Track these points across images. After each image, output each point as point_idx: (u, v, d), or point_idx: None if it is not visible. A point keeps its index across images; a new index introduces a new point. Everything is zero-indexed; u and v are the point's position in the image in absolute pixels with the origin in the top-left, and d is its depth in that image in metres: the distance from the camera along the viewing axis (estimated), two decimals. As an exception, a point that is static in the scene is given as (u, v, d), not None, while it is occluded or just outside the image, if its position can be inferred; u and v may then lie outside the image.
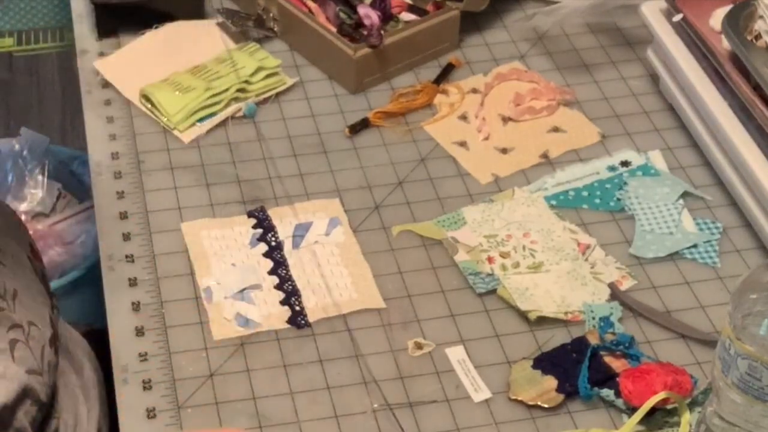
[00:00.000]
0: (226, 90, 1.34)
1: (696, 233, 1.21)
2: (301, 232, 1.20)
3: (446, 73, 1.41)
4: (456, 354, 1.09)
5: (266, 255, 1.18)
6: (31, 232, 1.80)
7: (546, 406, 1.04)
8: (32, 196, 1.88)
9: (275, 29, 1.44)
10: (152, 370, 1.07)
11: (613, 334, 1.10)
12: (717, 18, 1.26)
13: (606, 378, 1.06)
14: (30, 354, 0.98)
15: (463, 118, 1.36)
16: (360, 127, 1.33)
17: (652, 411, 1.02)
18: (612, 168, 1.29)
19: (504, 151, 1.31)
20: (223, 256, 1.18)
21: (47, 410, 1.00)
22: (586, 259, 1.18)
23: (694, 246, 1.20)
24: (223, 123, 1.33)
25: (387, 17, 1.41)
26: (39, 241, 1.82)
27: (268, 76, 1.37)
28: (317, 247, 1.19)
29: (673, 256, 1.19)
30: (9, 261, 1.04)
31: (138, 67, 1.39)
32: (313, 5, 1.42)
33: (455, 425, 1.04)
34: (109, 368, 1.08)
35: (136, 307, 1.13)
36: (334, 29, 1.38)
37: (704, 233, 1.21)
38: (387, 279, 1.16)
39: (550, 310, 1.12)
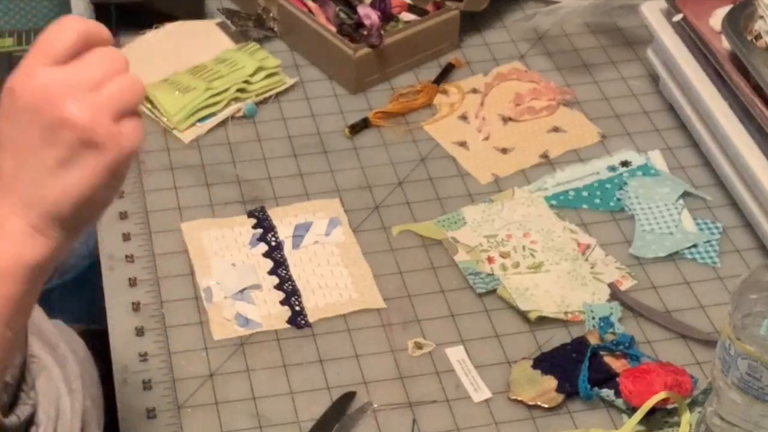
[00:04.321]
0: (226, 90, 1.34)
1: (696, 233, 1.21)
2: (301, 232, 1.20)
3: (446, 73, 1.41)
4: (456, 354, 1.09)
5: (266, 255, 1.18)
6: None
7: (546, 406, 1.04)
8: (32, 196, 1.87)
9: (275, 29, 1.44)
10: (152, 370, 1.07)
11: (613, 334, 1.10)
12: (717, 18, 1.26)
13: (606, 378, 1.06)
14: None
15: (463, 118, 1.36)
16: (360, 127, 1.33)
17: (652, 411, 1.02)
18: (612, 168, 1.29)
19: (504, 151, 1.31)
20: (223, 256, 1.18)
21: (15, 392, 0.99)
22: (586, 259, 1.18)
23: (694, 246, 1.20)
24: (223, 123, 1.33)
25: (387, 17, 1.41)
26: (39, 241, 1.82)
27: (268, 76, 1.37)
28: (317, 247, 1.19)
29: (673, 256, 1.19)
30: None
31: (138, 67, 1.38)
32: (313, 5, 1.42)
33: (455, 425, 1.04)
34: (109, 368, 1.08)
35: (136, 307, 1.13)
36: (334, 29, 1.38)
37: (704, 233, 1.21)
38: (387, 279, 1.16)
39: (550, 310, 1.12)
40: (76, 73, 0.78)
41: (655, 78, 1.39)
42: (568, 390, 1.05)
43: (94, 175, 0.75)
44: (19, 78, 0.77)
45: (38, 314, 1.21)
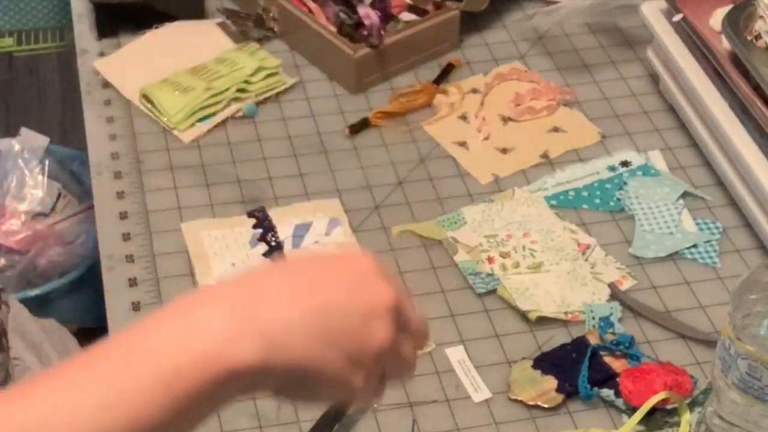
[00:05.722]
0: (226, 90, 1.34)
1: (696, 233, 1.21)
2: (301, 232, 1.20)
3: (446, 73, 1.41)
4: (456, 354, 1.09)
5: (266, 255, 1.18)
6: (31, 233, 1.80)
7: (546, 406, 1.04)
8: (32, 196, 1.88)
9: (275, 29, 1.44)
10: (152, 370, 1.07)
11: (613, 334, 1.10)
12: (717, 18, 1.26)
13: (606, 378, 1.06)
14: None
15: (463, 118, 1.36)
16: (360, 127, 1.33)
17: (652, 411, 1.02)
18: (612, 168, 1.29)
19: (504, 151, 1.31)
20: (223, 256, 1.17)
21: None
22: (586, 259, 1.18)
23: (694, 246, 1.20)
24: (223, 123, 1.33)
25: (387, 17, 1.41)
26: (39, 241, 1.82)
27: (268, 76, 1.37)
28: (317, 247, 1.19)
29: (673, 256, 1.19)
30: None
31: (138, 67, 1.39)
32: (313, 5, 1.42)
33: (455, 425, 1.04)
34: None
35: (136, 307, 1.13)
36: (334, 29, 1.38)
37: (704, 233, 1.21)
38: (387, 279, 1.16)
39: (550, 310, 1.12)
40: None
41: (655, 78, 1.39)
42: (568, 390, 1.05)
43: (332, 389, 0.70)
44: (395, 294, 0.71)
45: (21, 315, 1.21)
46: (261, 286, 0.68)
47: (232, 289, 0.67)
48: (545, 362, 1.07)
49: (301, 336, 0.67)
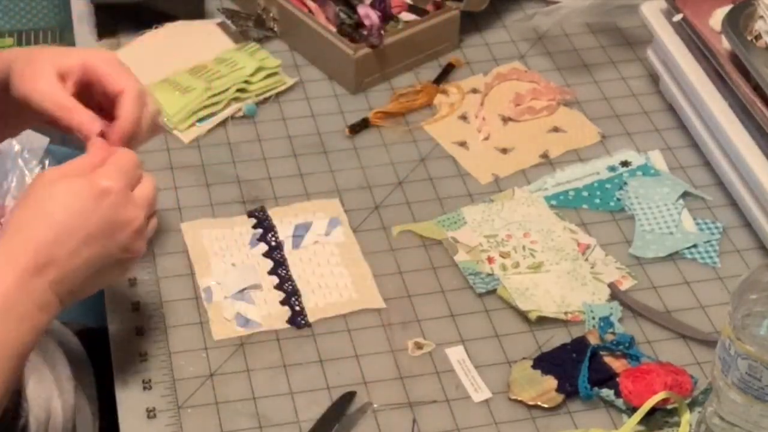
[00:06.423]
0: (226, 90, 1.34)
1: (696, 233, 1.21)
2: (301, 232, 1.20)
3: (446, 73, 1.41)
4: (456, 354, 1.09)
5: (266, 255, 1.18)
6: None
7: (546, 406, 1.05)
8: (32, 196, 1.87)
9: (275, 29, 1.44)
10: (152, 370, 1.07)
11: (613, 334, 1.10)
12: (717, 18, 1.26)
13: (606, 378, 1.06)
14: None
15: (463, 118, 1.36)
16: (360, 127, 1.33)
17: (652, 411, 1.02)
18: (612, 168, 1.29)
19: (504, 151, 1.31)
20: (223, 256, 1.18)
21: (16, 400, 1.00)
22: (586, 259, 1.18)
23: (694, 246, 1.20)
24: (223, 123, 1.34)
25: (387, 17, 1.41)
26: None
27: (268, 76, 1.37)
28: (317, 247, 1.19)
29: (673, 256, 1.19)
30: None
31: (138, 67, 1.38)
32: (313, 5, 1.42)
33: (455, 425, 1.04)
34: (109, 368, 1.08)
35: (135, 307, 1.13)
36: (334, 29, 1.38)
37: (704, 233, 1.21)
38: (387, 279, 1.16)
39: (550, 310, 1.12)
40: (144, 206, 0.96)
41: (655, 78, 1.39)
42: (568, 390, 1.05)
43: (117, 278, 1.00)
44: (118, 192, 0.94)
45: None
46: (35, 250, 0.90)
47: (26, 268, 0.89)
48: (545, 362, 1.07)
49: (83, 271, 0.92)
